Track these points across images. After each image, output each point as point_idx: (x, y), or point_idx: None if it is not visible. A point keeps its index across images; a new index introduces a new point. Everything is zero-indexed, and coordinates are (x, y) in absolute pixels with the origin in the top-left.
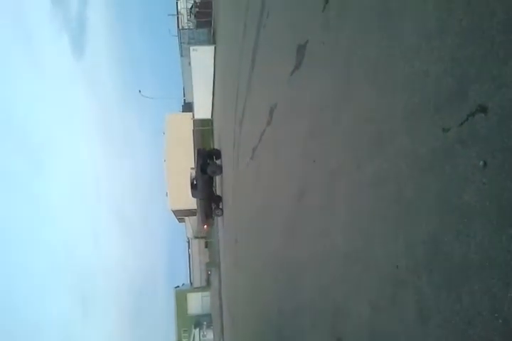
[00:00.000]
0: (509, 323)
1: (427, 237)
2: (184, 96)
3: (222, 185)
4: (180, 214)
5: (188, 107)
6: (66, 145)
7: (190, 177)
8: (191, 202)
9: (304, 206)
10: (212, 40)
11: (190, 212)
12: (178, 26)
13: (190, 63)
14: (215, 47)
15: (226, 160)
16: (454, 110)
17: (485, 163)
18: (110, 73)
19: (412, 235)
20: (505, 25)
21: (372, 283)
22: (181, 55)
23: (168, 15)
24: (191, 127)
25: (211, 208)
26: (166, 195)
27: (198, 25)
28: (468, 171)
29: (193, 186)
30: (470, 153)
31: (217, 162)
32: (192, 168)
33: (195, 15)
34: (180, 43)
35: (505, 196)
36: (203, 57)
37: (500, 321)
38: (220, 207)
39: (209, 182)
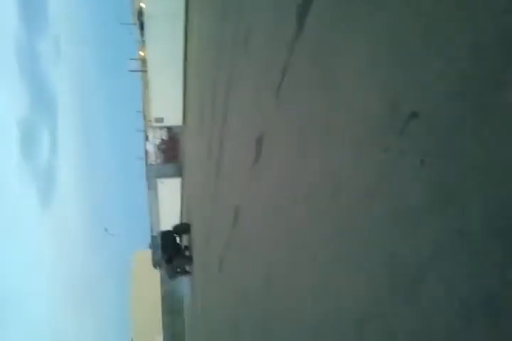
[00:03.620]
0: None
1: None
2: (152, 231)
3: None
4: None
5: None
6: (27, 298)
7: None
8: None
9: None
10: (179, 173)
11: None
12: (146, 163)
13: (156, 196)
14: (181, 179)
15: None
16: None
17: (422, 161)
18: (77, 217)
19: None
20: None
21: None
22: (148, 189)
23: (136, 158)
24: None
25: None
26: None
27: (166, 161)
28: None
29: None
30: (409, 157)
31: (186, 252)
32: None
33: (162, 151)
34: (148, 178)
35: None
36: (170, 189)
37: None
38: (187, 269)
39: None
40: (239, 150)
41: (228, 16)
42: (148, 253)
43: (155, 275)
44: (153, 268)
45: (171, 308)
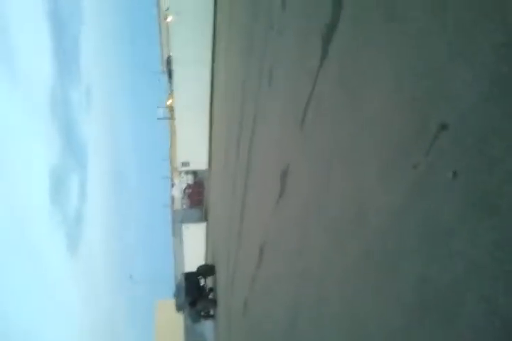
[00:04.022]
0: None
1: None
2: (176, 279)
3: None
4: None
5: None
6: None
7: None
8: None
9: None
10: (204, 218)
11: None
12: (171, 209)
13: (181, 241)
14: (207, 225)
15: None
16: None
17: (454, 174)
18: (103, 263)
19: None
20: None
21: None
22: (173, 235)
23: (163, 206)
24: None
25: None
26: None
27: (191, 206)
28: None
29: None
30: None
31: (210, 295)
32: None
33: (188, 196)
34: (173, 223)
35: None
36: (195, 233)
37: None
38: (211, 313)
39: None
40: (263, 186)
41: (254, 53)
42: (171, 303)
43: (179, 325)
44: (176, 316)
45: None
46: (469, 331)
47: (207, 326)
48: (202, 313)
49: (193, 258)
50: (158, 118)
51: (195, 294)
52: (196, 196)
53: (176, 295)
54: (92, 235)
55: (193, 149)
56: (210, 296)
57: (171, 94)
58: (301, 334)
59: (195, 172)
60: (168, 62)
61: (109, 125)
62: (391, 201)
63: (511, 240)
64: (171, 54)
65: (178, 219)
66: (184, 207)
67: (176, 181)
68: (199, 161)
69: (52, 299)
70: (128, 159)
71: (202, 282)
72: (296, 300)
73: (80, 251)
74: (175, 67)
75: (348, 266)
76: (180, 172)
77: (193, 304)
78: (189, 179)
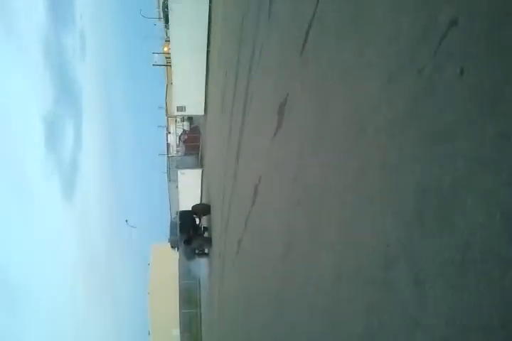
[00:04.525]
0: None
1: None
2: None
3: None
4: None
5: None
6: (47, 286)
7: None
8: None
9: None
10: (200, 164)
11: None
12: (167, 153)
13: (177, 186)
14: (202, 171)
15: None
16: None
17: (461, 70)
18: (99, 209)
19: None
20: None
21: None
22: (169, 180)
23: (159, 154)
24: (176, 259)
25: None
26: (149, 333)
27: (187, 152)
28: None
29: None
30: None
31: (205, 234)
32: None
33: (183, 142)
34: (169, 169)
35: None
36: (190, 179)
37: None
38: (206, 251)
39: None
40: (260, 122)
41: None
42: (165, 247)
43: (173, 268)
44: (170, 259)
45: (188, 301)
46: (470, 231)
47: (201, 263)
48: (196, 251)
49: (189, 202)
50: (154, 65)
51: (190, 232)
52: (192, 141)
53: (171, 232)
54: (87, 182)
55: (190, 94)
56: (206, 235)
57: (167, 41)
58: (294, 261)
59: (190, 119)
60: (165, 6)
61: (103, 72)
62: (393, 112)
63: None
64: None
65: (174, 165)
66: (179, 153)
67: (172, 129)
68: (195, 106)
69: (47, 244)
70: (123, 107)
71: (197, 221)
72: (291, 229)
73: (75, 198)
74: (171, 3)
75: (346, 184)
76: (175, 119)
77: (188, 242)
78: (185, 125)
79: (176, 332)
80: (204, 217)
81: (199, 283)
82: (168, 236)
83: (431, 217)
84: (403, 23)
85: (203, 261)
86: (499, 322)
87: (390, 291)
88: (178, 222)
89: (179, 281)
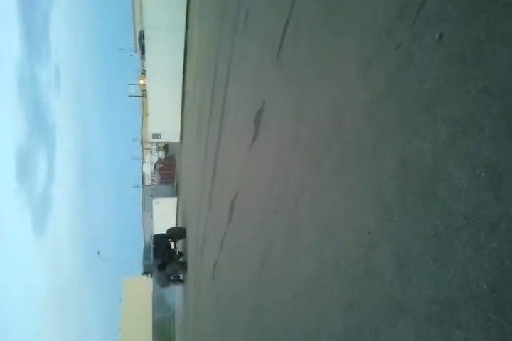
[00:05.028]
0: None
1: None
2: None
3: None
4: None
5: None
6: (15, 322)
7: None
8: None
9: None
10: (175, 192)
11: None
12: (142, 183)
13: (152, 216)
14: (177, 199)
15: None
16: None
17: (441, 35)
18: (71, 242)
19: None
20: None
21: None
22: (143, 209)
23: (133, 187)
24: (150, 291)
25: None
26: None
27: (162, 181)
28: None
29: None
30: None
31: (181, 259)
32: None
33: (159, 170)
34: (144, 199)
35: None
36: (165, 208)
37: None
38: (181, 278)
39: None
40: (236, 137)
41: (227, 11)
42: (139, 280)
43: (146, 303)
44: (144, 293)
45: (162, 335)
46: (453, 197)
47: (176, 291)
48: (171, 277)
49: (163, 230)
50: (130, 96)
51: (165, 256)
52: (167, 169)
53: (144, 257)
54: (60, 215)
55: (165, 121)
56: (180, 260)
57: (143, 74)
58: (271, 273)
59: (166, 148)
60: (141, 37)
61: (78, 105)
62: (371, 93)
63: (498, 84)
64: (144, 22)
65: (149, 194)
66: (154, 182)
67: (147, 157)
68: (171, 134)
69: (17, 278)
70: (98, 139)
71: (172, 245)
72: (268, 239)
73: (47, 231)
74: (146, 31)
75: (323, 181)
76: (151, 150)
77: (162, 267)
78: (160, 154)
79: None
80: (179, 241)
81: (173, 316)
82: (140, 270)
83: (412, 193)
84: (379, 6)
85: (177, 289)
86: (488, 286)
87: (372, 281)
88: (152, 246)
89: (153, 315)
